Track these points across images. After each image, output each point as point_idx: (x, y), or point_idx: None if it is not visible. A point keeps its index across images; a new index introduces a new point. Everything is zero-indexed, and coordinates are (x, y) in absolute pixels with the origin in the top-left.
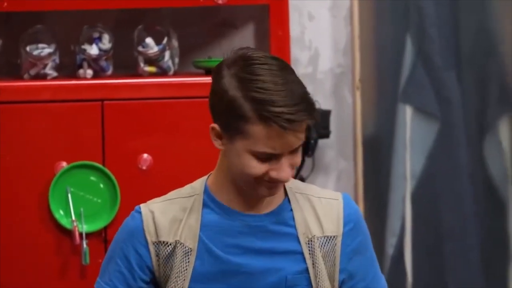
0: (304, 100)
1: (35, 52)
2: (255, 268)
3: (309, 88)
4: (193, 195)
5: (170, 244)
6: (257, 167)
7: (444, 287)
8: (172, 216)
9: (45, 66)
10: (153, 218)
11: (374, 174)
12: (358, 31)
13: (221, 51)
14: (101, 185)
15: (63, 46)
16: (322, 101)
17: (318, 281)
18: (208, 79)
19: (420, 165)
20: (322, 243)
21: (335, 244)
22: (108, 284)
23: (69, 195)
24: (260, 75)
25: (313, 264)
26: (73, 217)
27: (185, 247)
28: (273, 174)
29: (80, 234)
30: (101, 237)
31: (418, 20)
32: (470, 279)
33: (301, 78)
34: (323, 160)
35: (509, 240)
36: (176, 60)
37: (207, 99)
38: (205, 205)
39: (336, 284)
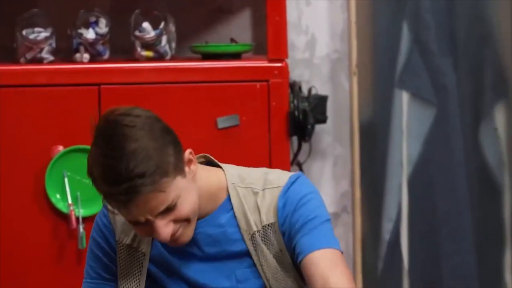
0: (138, 174)
1: (31, 36)
2: (205, 275)
3: (306, 74)
4: None
5: (123, 246)
6: (137, 230)
7: (439, 273)
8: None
9: (41, 50)
10: (114, 217)
11: (370, 159)
12: (355, 16)
13: (218, 36)
14: None
15: (59, 30)
16: (319, 86)
17: (266, 273)
18: (205, 64)
19: (416, 151)
20: (263, 235)
21: (275, 231)
22: (90, 275)
23: (66, 179)
24: (105, 148)
25: (259, 258)
26: (70, 201)
27: (139, 252)
28: (154, 236)
29: (77, 218)
30: None
31: (415, 7)
32: (464, 265)
33: (298, 63)
34: (320, 146)
35: (504, 226)
36: (173, 45)
37: (203, 84)
38: None
39: (290, 266)
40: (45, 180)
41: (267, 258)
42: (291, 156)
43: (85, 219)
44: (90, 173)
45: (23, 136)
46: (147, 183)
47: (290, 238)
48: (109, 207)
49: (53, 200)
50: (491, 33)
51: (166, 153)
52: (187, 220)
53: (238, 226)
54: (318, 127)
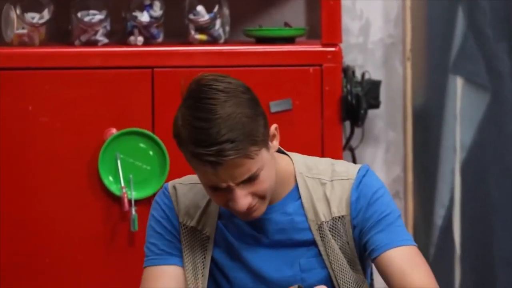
0: (229, 139)
1: (86, 19)
2: (267, 262)
3: (360, 58)
4: None
5: (187, 228)
6: (214, 197)
7: (491, 259)
8: (191, 201)
9: (96, 32)
10: (177, 198)
11: (423, 145)
12: (409, 1)
13: (271, 20)
14: (151, 152)
15: (114, 13)
16: (372, 71)
17: (333, 264)
18: (258, 48)
19: (469, 136)
20: (331, 226)
21: (345, 223)
22: (154, 252)
23: (119, 162)
24: (196, 110)
25: (325, 249)
26: (122, 184)
27: (203, 234)
28: (231, 204)
29: (129, 201)
30: (149, 204)
31: None
32: None
33: (352, 47)
34: (373, 131)
35: None
36: (227, 28)
37: (256, 68)
38: None
39: (357, 260)
40: (98, 162)
41: (334, 249)
42: (344, 141)
43: (138, 202)
44: (177, 134)
45: (77, 119)
46: (237, 149)
47: (362, 232)
48: (171, 190)
49: (106, 182)
50: None
51: (257, 122)
52: (263, 197)
53: (305, 215)
54: (371, 112)
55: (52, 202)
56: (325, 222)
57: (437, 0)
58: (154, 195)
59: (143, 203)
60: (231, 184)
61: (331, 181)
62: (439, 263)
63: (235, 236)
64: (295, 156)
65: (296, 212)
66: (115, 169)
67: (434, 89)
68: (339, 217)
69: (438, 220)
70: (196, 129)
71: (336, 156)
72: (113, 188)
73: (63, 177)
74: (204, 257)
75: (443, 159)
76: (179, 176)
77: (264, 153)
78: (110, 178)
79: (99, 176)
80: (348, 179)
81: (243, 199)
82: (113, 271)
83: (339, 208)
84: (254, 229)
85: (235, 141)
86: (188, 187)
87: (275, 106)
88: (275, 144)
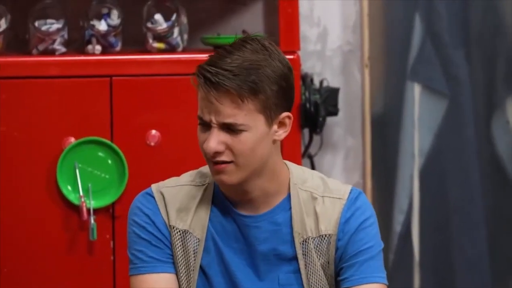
0: (241, 73)
1: (44, 28)
2: (247, 274)
3: (318, 66)
4: (205, 184)
5: (179, 231)
6: (200, 136)
7: (450, 265)
8: (180, 204)
9: (53, 41)
10: (164, 201)
11: (382, 151)
12: (367, 8)
13: (230, 28)
14: (109, 161)
15: (71, 22)
16: (330, 78)
17: (311, 282)
18: None
19: (428, 142)
20: (317, 243)
21: (330, 242)
22: (142, 259)
23: (77, 171)
24: (225, 49)
25: (305, 265)
26: (81, 193)
27: (194, 237)
28: (204, 145)
29: (88, 210)
30: (108, 213)
31: None
32: (476, 257)
33: (310, 55)
34: (331, 138)
35: None
36: (185, 36)
37: None
38: (214, 197)
39: (332, 278)
40: (56, 171)
41: (316, 266)
42: (302, 148)
43: (96, 211)
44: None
45: (35, 128)
46: (235, 82)
47: (342, 257)
48: (157, 194)
49: (65, 191)
50: (504, 24)
51: (272, 90)
52: (236, 162)
53: (292, 227)
54: (330, 119)
55: (10, 211)
56: (311, 238)
57: (395, 7)
58: (113, 204)
59: (102, 212)
60: (213, 120)
61: (322, 196)
62: (398, 270)
63: (223, 240)
64: (292, 166)
65: (285, 223)
66: (74, 178)
67: (392, 95)
68: (325, 235)
69: (397, 226)
70: (215, 55)
71: (295, 163)
72: (72, 197)
73: (21, 186)
74: (195, 260)
75: (402, 165)
76: (138, 185)
77: (259, 121)
78: (69, 187)
79: (57, 185)
80: (339, 198)
81: (215, 142)
82: (72, 281)
83: (328, 226)
84: (243, 235)
85: (239, 76)
86: (176, 189)
87: None
88: (280, 133)
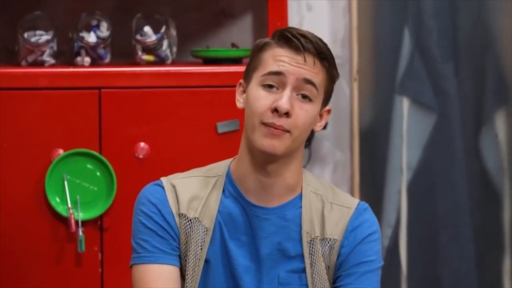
0: (320, 46)
1: (33, 39)
2: (251, 265)
3: None
4: (216, 176)
5: (190, 220)
6: (263, 97)
7: (438, 279)
8: (193, 193)
9: (42, 53)
10: (175, 192)
11: (370, 165)
12: (356, 22)
13: (219, 41)
14: (98, 173)
15: (61, 33)
16: None
17: (315, 281)
18: (205, 69)
19: (416, 157)
20: (323, 245)
21: (333, 248)
22: (147, 249)
23: (66, 183)
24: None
25: (311, 264)
26: (69, 205)
27: (203, 226)
28: (275, 104)
29: (76, 222)
30: (97, 225)
31: (416, 12)
32: (464, 271)
33: None
34: (320, 151)
35: (503, 232)
36: (174, 49)
37: (204, 89)
38: (225, 188)
39: (330, 283)
40: (45, 183)
41: (321, 266)
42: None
43: (85, 223)
44: (260, 41)
45: (23, 139)
46: (324, 49)
47: (342, 264)
48: (167, 185)
49: (53, 203)
50: (493, 39)
51: (334, 76)
52: (291, 134)
53: (301, 226)
54: (318, 133)
55: None
56: (318, 239)
57: (384, 21)
58: (101, 216)
59: (90, 224)
60: (291, 78)
61: (331, 203)
62: (386, 283)
63: (230, 232)
64: (305, 170)
65: (294, 220)
66: (62, 190)
67: (380, 109)
68: (330, 239)
69: (385, 240)
70: (289, 28)
71: None
72: (60, 209)
73: (9, 198)
74: (201, 250)
75: (390, 179)
76: (127, 197)
77: (319, 100)
78: (57, 199)
79: (46, 197)
80: (347, 207)
81: (288, 100)
82: None
83: (333, 231)
84: (251, 227)
85: (325, 46)
86: (188, 180)
87: (222, 127)
88: (318, 125)
